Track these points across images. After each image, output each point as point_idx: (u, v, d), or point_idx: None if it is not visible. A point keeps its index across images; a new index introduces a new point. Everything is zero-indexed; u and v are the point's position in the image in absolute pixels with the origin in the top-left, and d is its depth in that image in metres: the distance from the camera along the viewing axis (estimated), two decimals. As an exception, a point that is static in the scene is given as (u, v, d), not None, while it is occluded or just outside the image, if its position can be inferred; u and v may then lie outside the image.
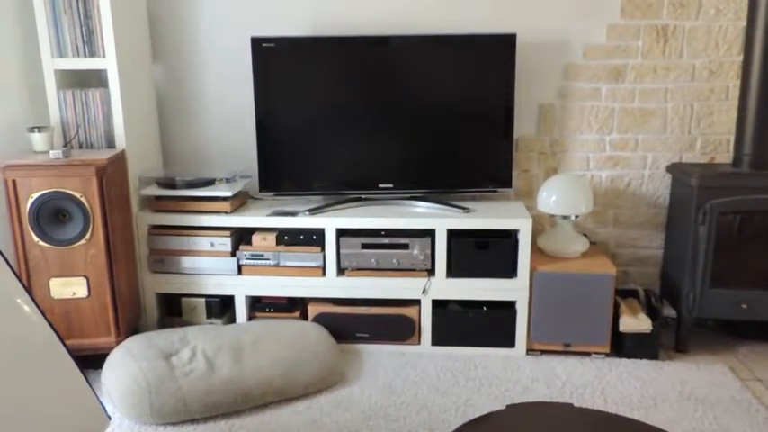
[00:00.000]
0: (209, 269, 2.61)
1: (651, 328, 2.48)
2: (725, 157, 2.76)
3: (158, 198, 2.61)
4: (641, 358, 2.51)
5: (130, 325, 2.54)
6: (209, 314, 2.67)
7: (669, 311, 2.76)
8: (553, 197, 2.58)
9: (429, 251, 2.53)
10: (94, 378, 2.35)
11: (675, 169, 2.70)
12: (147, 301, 2.66)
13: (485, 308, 2.58)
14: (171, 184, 2.62)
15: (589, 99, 2.76)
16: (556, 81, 2.76)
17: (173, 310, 2.72)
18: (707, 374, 2.39)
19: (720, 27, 2.65)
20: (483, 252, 2.52)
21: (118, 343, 2.36)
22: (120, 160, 2.47)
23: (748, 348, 2.64)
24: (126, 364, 2.17)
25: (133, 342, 2.30)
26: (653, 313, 2.56)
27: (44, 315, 1.45)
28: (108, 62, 2.44)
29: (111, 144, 2.53)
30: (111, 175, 2.37)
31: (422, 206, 2.67)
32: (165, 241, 2.61)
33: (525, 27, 2.72)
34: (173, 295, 2.69)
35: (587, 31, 2.70)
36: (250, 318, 2.69)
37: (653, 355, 2.51)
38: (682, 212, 2.62)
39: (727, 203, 2.46)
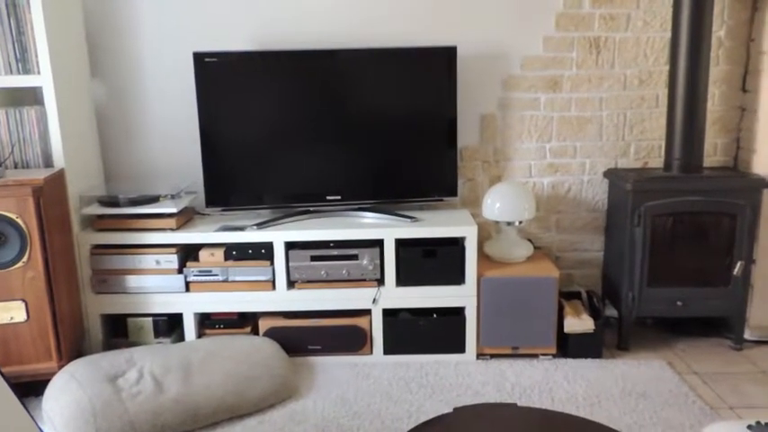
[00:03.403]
0: (156, 287, 2.56)
1: (594, 328, 2.57)
2: (657, 161, 2.89)
3: (100, 217, 2.55)
4: (586, 358, 2.59)
5: (73, 349, 2.46)
6: (157, 333, 2.61)
7: (611, 311, 2.87)
8: (497, 204, 2.65)
9: (378, 261, 2.56)
10: (35, 406, 2.27)
11: (612, 174, 2.82)
12: (90, 324, 2.58)
13: (435, 315, 2.62)
14: (113, 203, 2.56)
15: (528, 109, 2.86)
16: (496, 92, 2.84)
17: (118, 332, 2.65)
18: (647, 370, 2.49)
19: (648, 38, 2.79)
20: (431, 260, 2.57)
21: (60, 368, 2.29)
22: (58, 179, 2.40)
23: (685, 344, 2.76)
24: (69, 390, 2.11)
25: (76, 366, 2.23)
26: (596, 314, 2.65)
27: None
28: (43, 79, 2.38)
29: (48, 163, 2.46)
30: (50, 194, 2.30)
31: (370, 217, 2.70)
32: (109, 261, 2.55)
33: (466, 40, 2.79)
34: (118, 316, 2.62)
35: (524, 44, 2.80)
36: (200, 335, 2.65)
37: (597, 354, 2.60)
38: (619, 215, 2.74)
39: (660, 206, 2.58)
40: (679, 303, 2.64)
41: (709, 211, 2.60)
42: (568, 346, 2.60)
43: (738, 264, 2.59)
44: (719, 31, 2.77)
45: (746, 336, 2.75)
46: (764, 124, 2.66)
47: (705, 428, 1.48)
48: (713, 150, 2.88)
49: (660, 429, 2.08)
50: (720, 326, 2.81)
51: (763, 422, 1.44)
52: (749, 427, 1.42)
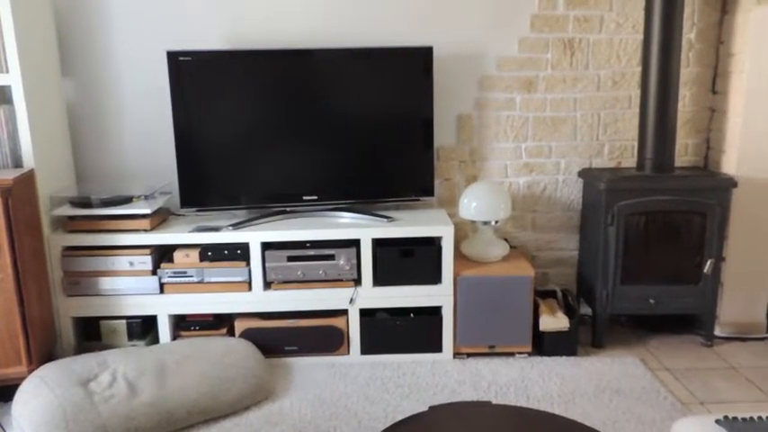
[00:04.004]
0: (129, 289, 2.53)
1: (569, 326, 2.60)
2: (630, 161, 2.94)
3: (72, 218, 2.51)
4: (561, 355, 2.62)
5: (44, 352, 2.42)
6: (131, 336, 2.58)
7: (586, 309, 2.90)
8: (474, 204, 2.66)
9: (355, 261, 2.56)
10: (4, 411, 2.23)
11: (586, 174, 2.85)
12: (62, 327, 2.54)
13: (412, 315, 2.62)
14: (86, 203, 2.52)
15: (504, 109, 2.88)
16: (473, 92, 2.86)
17: (91, 335, 2.60)
18: (621, 367, 2.52)
19: (621, 40, 2.83)
20: (408, 260, 2.57)
21: (30, 372, 2.24)
22: (28, 180, 2.36)
23: (658, 341, 2.81)
24: (39, 394, 2.07)
25: (47, 370, 2.19)
26: (570, 312, 2.68)
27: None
28: (12, 78, 2.33)
29: (18, 163, 2.41)
30: (19, 195, 2.26)
31: (346, 217, 2.70)
32: (81, 263, 2.51)
33: (442, 40, 2.80)
34: (90, 318, 2.58)
35: (500, 44, 2.82)
36: (175, 337, 2.62)
37: (572, 352, 2.63)
38: (593, 215, 2.77)
39: (633, 205, 2.62)
40: (651, 301, 2.69)
41: (681, 210, 2.65)
42: (544, 345, 2.62)
43: (708, 262, 2.64)
44: (690, 33, 2.82)
45: (717, 332, 2.80)
46: (733, 125, 2.72)
47: (675, 423, 1.50)
48: (684, 150, 2.94)
49: (633, 425, 2.12)
50: (692, 323, 2.86)
51: (730, 416, 1.47)
52: (717, 421, 1.45)
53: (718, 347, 2.74)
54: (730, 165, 2.74)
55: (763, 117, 2.65)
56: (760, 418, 1.45)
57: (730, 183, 2.63)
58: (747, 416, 1.46)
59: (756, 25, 2.58)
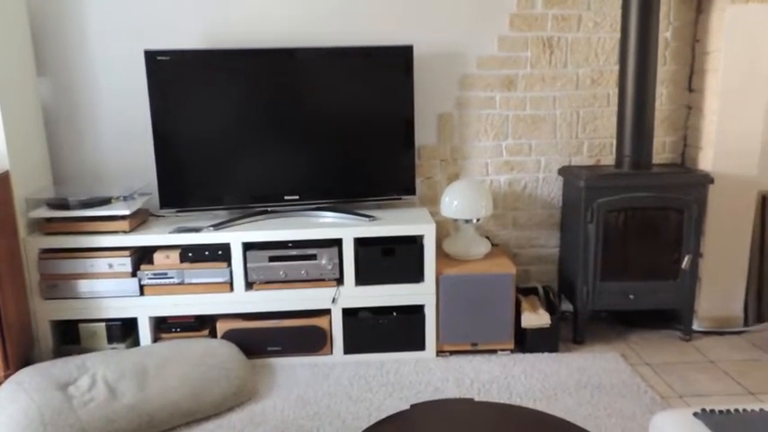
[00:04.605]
0: (109, 292, 2.50)
1: (550, 322, 2.62)
2: (609, 159, 2.97)
3: (49, 220, 2.47)
4: (543, 352, 2.64)
5: (22, 357, 2.38)
6: (111, 339, 2.55)
7: (567, 306, 2.93)
8: (455, 202, 2.67)
9: (337, 260, 2.55)
10: (-18, 416, 2.18)
11: (566, 172, 2.88)
12: (40, 330, 2.50)
13: (394, 313, 2.62)
14: (63, 205, 2.48)
15: (485, 107, 2.89)
16: (453, 91, 2.87)
17: (70, 338, 2.57)
18: (602, 363, 2.55)
19: (599, 39, 2.86)
20: (390, 259, 2.57)
21: (7, 377, 2.21)
22: (3, 182, 2.31)
23: (638, 336, 2.84)
24: (17, 399, 2.03)
25: (25, 374, 2.16)
26: (552, 309, 2.70)
27: None
28: (-14, 77, 2.30)
29: (-8, 164, 2.37)
30: (-6, 197, 2.22)
31: (328, 216, 2.69)
32: (59, 265, 2.47)
33: (423, 39, 2.81)
34: (69, 322, 2.54)
35: (480, 43, 2.83)
36: (155, 340, 2.59)
37: (553, 348, 2.65)
38: (573, 212, 2.80)
39: (612, 202, 2.65)
40: (631, 297, 2.72)
41: (659, 207, 2.68)
42: (526, 341, 2.64)
43: (686, 257, 2.68)
44: (666, 32, 2.86)
45: (695, 327, 2.84)
46: (709, 122, 2.76)
47: (654, 417, 1.52)
48: (662, 148, 2.98)
49: (614, 420, 2.14)
50: (671, 318, 2.90)
51: (708, 409, 1.49)
52: (695, 414, 1.47)
53: (696, 342, 2.78)
54: (707, 161, 2.78)
55: (738, 114, 2.69)
56: (737, 410, 1.47)
57: (707, 179, 2.67)
58: (725, 408, 1.48)
59: (731, 24, 2.63)
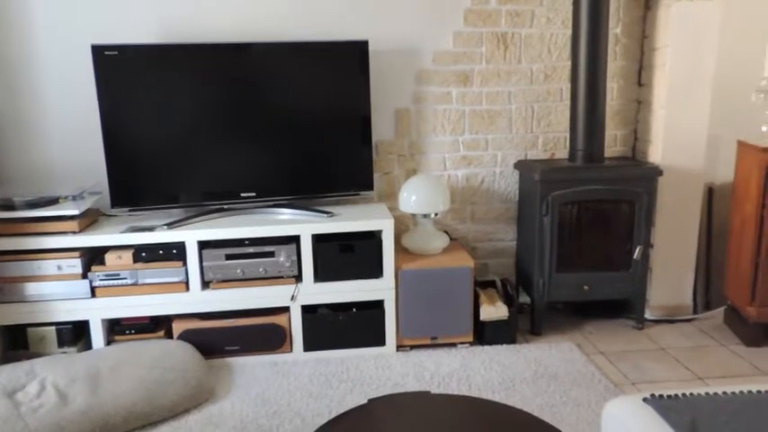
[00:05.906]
0: (58, 294, 2.42)
1: (508, 315, 2.66)
2: (563, 152, 3.02)
3: (-7, 221, 2.38)
4: (501, 344, 2.68)
5: (-34, 363, 2.29)
6: (61, 343, 2.47)
7: (524, 298, 2.97)
8: (413, 197, 2.68)
9: (295, 257, 2.53)
10: None
11: (521, 166, 2.92)
12: (-15, 336, 2.41)
13: (354, 309, 2.62)
14: (8, 206, 2.39)
15: (441, 102, 2.91)
16: (410, 86, 2.88)
17: (18, 343, 2.48)
18: (558, 353, 2.60)
19: (552, 35, 2.91)
20: (349, 254, 2.56)
21: (-50, 385, 2.12)
22: (-58, 181, 2.22)
23: (592, 326, 2.91)
24: (-40, 408, 1.95)
25: (-31, 382, 2.07)
26: (510, 301, 2.74)
27: None
28: None
29: (-70, 164, 2.27)
30: (-68, 198, 2.12)
31: (286, 213, 2.66)
32: (5, 268, 2.38)
33: (379, 34, 2.80)
34: (17, 326, 2.46)
35: (435, 38, 2.84)
36: (109, 342, 2.52)
37: (511, 340, 2.69)
38: (529, 205, 2.84)
39: (565, 195, 2.70)
40: (585, 288, 2.78)
41: (611, 199, 2.75)
42: (485, 334, 2.68)
43: (638, 248, 2.75)
44: (616, 28, 2.93)
45: (647, 316, 2.93)
46: (658, 116, 2.84)
47: (607, 404, 1.56)
48: (613, 141, 3.05)
49: (569, 408, 2.18)
50: (624, 307, 2.98)
51: (657, 394, 1.53)
52: (644, 399, 1.51)
53: (648, 330, 2.86)
54: (656, 154, 2.86)
55: (684, 108, 2.78)
56: (684, 394, 1.52)
57: (656, 172, 2.74)
58: (673, 393, 1.53)
59: (677, 20, 2.70)
